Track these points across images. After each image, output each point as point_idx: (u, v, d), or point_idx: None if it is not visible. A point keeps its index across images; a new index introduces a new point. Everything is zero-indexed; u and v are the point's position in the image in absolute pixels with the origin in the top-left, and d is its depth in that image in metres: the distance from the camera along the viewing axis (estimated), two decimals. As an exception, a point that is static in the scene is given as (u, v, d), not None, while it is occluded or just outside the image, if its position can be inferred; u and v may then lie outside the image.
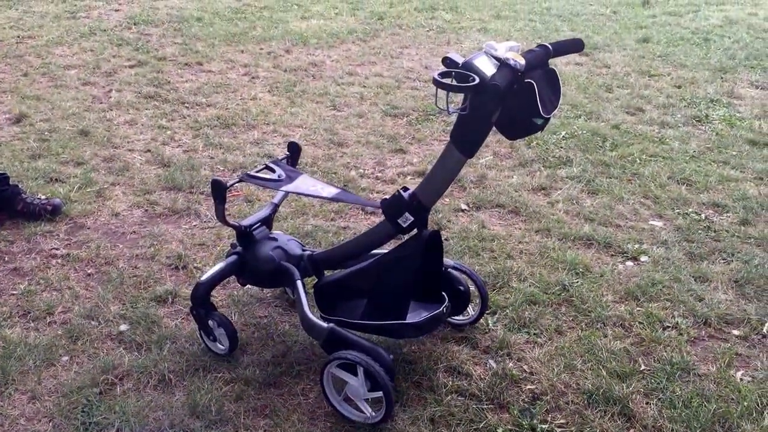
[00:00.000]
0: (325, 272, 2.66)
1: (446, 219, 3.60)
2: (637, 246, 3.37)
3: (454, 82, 2.09)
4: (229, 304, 2.89)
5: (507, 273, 3.11)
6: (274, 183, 2.54)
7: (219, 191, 2.43)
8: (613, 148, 4.55)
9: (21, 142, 4.41)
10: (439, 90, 2.04)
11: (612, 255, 3.33)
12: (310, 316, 2.39)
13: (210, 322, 2.58)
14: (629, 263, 3.26)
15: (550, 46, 2.12)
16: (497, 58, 2.07)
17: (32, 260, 3.19)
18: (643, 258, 3.29)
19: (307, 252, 2.65)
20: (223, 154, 4.34)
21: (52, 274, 3.08)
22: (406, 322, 2.37)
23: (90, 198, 3.75)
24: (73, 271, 3.12)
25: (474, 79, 2.05)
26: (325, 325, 2.35)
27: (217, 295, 2.93)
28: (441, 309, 2.44)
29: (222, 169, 4.15)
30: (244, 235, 2.62)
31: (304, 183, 2.56)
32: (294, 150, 2.76)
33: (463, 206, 3.76)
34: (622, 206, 3.79)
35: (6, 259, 3.20)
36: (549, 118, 2.12)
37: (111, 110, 4.99)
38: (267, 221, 2.73)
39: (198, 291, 2.58)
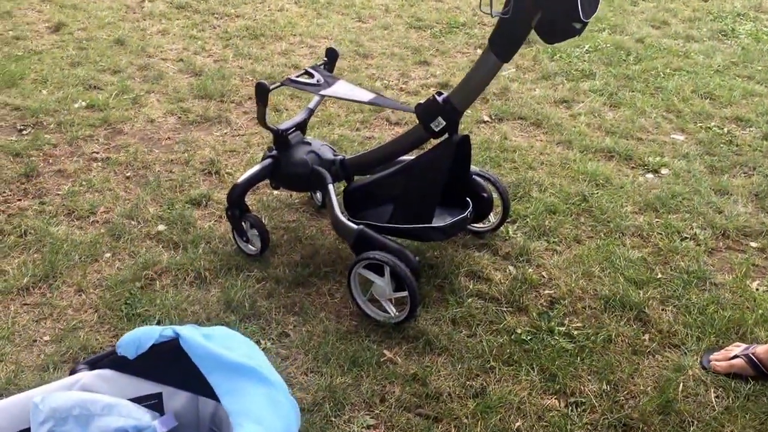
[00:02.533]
0: (355, 178, 2.78)
1: (468, 130, 3.68)
2: (658, 159, 3.45)
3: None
4: (259, 209, 3.04)
5: (528, 183, 3.21)
6: (313, 87, 2.63)
7: (262, 94, 2.52)
8: (637, 61, 4.56)
9: (61, 50, 4.51)
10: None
11: (633, 167, 3.41)
12: (342, 217, 2.52)
13: (244, 224, 2.72)
14: (650, 175, 3.34)
15: None
16: None
17: (75, 163, 3.34)
18: (664, 170, 3.37)
19: (339, 157, 2.76)
20: (252, 64, 4.42)
21: (94, 176, 3.23)
22: (432, 225, 2.49)
23: (126, 105, 3.86)
24: (113, 174, 3.27)
25: None
26: (355, 226, 2.48)
27: (248, 200, 3.06)
28: (465, 214, 2.56)
29: (251, 78, 4.23)
30: (281, 138, 2.73)
31: (342, 88, 2.65)
32: (331, 56, 2.83)
33: (485, 117, 3.83)
34: (644, 120, 3.84)
35: (50, 161, 3.35)
36: (587, 22, 2.15)
37: (144, 20, 5.05)
38: (302, 126, 2.83)
39: (234, 192, 2.71)
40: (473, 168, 2.75)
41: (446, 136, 2.46)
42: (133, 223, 2.92)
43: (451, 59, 4.59)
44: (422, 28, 5.08)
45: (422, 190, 2.51)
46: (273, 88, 2.55)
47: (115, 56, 4.43)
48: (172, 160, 3.38)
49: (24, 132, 3.58)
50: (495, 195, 2.81)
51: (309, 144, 2.77)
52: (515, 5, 2.12)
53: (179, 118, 3.78)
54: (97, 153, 3.43)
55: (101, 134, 3.59)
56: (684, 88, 4.19)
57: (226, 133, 3.65)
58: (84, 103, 3.83)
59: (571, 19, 2.10)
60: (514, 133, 3.71)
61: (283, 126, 2.75)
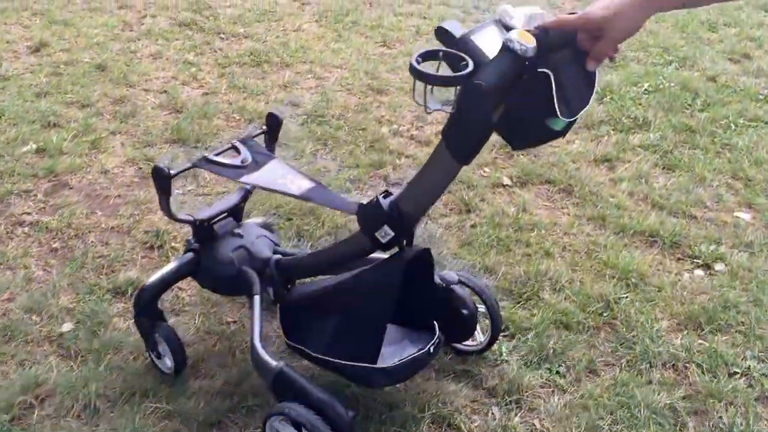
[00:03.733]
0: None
1: (480, 197, 3.00)
2: (713, 248, 2.69)
3: (442, 68, 1.52)
4: (195, 302, 2.44)
5: (540, 279, 2.52)
6: (233, 171, 2.02)
7: (162, 182, 1.95)
8: (705, 107, 3.75)
9: (33, 76, 4.02)
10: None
11: (678, 259, 2.67)
12: (259, 348, 1.90)
13: (155, 336, 2.13)
14: (698, 272, 2.60)
15: None
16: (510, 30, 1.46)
17: (-4, 230, 2.82)
18: (719, 266, 2.62)
19: (276, 256, 2.13)
20: (245, 99, 3.83)
21: (12, 247, 2.70)
22: (376, 366, 1.85)
23: (83, 149, 3.33)
24: (37, 245, 2.73)
25: (467, 65, 1.45)
26: (274, 363, 1.86)
27: (186, 288, 2.48)
28: (426, 348, 1.91)
29: (238, 118, 3.65)
30: (200, 230, 2.14)
31: (272, 172, 2.04)
32: (273, 124, 2.21)
33: (506, 180, 3.13)
34: (702, 189, 3.07)
35: (-33, 225, 2.84)
36: (572, 121, 1.50)
37: (138, 40, 4.52)
38: (235, 211, 2.23)
39: (142, 296, 2.13)
40: (450, 275, 2.09)
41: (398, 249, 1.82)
42: (34, 318, 2.37)
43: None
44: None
45: (364, 318, 1.88)
46: (177, 174, 1.96)
47: (90, 85, 3.90)
48: (112, 228, 2.82)
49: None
50: (483, 308, 2.15)
51: (240, 236, 2.16)
52: (462, 97, 1.46)
53: (139, 169, 3.22)
54: (28, 214, 2.90)
55: (42, 188, 3.06)
56: (759, 146, 3.39)
57: (189, 191, 3.07)
58: (34, 147, 3.31)
59: (545, 115, 1.45)
60: (537, 203, 3.00)
61: (204, 214, 2.14)
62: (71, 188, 3.08)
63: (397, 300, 1.82)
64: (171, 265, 2.16)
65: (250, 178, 1.99)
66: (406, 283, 1.82)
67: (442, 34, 1.52)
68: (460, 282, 2.12)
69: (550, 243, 2.72)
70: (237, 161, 2.04)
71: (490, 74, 1.38)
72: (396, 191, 1.80)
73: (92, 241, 2.74)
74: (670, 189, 3.07)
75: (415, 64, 1.42)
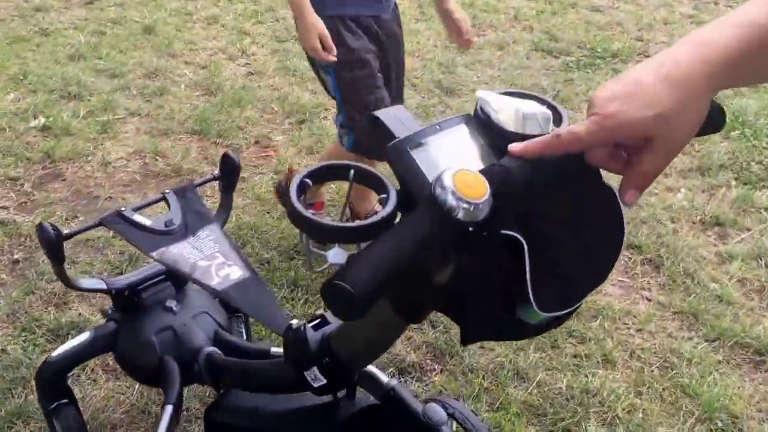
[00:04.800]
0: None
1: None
2: None
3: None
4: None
5: (587, 401, 1.87)
6: (149, 239, 1.48)
7: (48, 248, 1.44)
8: None
9: (74, 33, 3.62)
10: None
11: (792, 396, 1.93)
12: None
13: (53, 421, 1.65)
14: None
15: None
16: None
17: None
18: None
19: (209, 349, 1.58)
20: (291, 86, 3.27)
21: (-32, 254, 2.30)
22: None
23: (92, 132, 2.89)
24: (1, 252, 2.31)
25: (386, 198, 0.84)
26: None
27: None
28: None
29: (275, 110, 3.11)
30: (121, 299, 1.62)
31: (199, 248, 1.48)
32: (228, 168, 1.64)
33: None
34: None
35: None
36: (565, 313, 0.86)
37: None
38: (177, 275, 1.70)
39: (43, 374, 1.64)
40: (437, 409, 1.47)
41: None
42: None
43: (576, 111, 3.18)
44: (554, 53, 3.66)
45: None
46: (69, 237, 1.43)
47: (129, 51, 3.46)
48: (87, 240, 2.36)
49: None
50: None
51: (172, 312, 1.62)
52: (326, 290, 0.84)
53: (145, 163, 2.75)
54: (4, 210, 2.48)
55: (31, 177, 2.64)
56: None
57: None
58: (42, 122, 2.90)
59: (510, 301, 0.83)
60: (611, 275, 2.30)
61: (129, 278, 1.61)
62: (63, 180, 2.64)
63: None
64: (84, 337, 1.64)
65: (167, 254, 1.44)
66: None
67: (374, 125, 0.92)
68: (451, 418, 1.51)
69: (614, 343, 2.04)
70: (160, 223, 1.49)
71: (372, 261, 0.74)
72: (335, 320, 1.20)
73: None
74: (798, 280, 2.29)
75: (294, 197, 0.81)
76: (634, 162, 0.76)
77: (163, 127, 2.94)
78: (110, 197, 2.57)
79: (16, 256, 2.31)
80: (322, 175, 0.86)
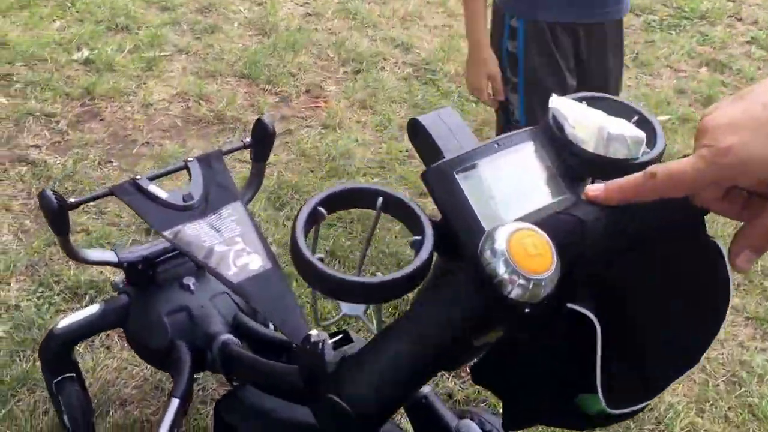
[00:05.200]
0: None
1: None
2: None
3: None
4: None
5: None
6: (161, 215, 1.31)
7: (52, 217, 1.28)
8: None
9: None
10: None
11: None
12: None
13: (59, 394, 1.53)
14: None
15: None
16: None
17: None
18: None
19: (225, 337, 1.42)
20: (350, 30, 3.04)
21: (-8, 195, 2.18)
22: None
23: (136, 69, 2.72)
24: (25, 195, 2.18)
25: (420, 243, 0.63)
26: None
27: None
28: None
29: (330, 57, 2.88)
30: (134, 273, 1.46)
31: (218, 229, 1.30)
32: (261, 134, 1.45)
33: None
34: None
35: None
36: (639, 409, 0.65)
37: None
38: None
39: (48, 345, 1.51)
40: (471, 426, 1.29)
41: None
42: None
43: (657, 79, 2.87)
44: (635, 10, 3.31)
45: None
46: (74, 206, 1.28)
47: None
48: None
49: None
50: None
51: (190, 290, 1.46)
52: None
53: (187, 107, 2.57)
54: (37, 149, 2.35)
55: (68, 115, 2.50)
56: None
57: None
58: (85, 55, 2.75)
59: (570, 386, 0.61)
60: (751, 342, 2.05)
61: (140, 251, 1.45)
62: (101, 120, 2.50)
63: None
64: (93, 309, 1.50)
65: (181, 234, 1.26)
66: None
67: (414, 135, 0.71)
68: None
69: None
70: (177, 197, 1.32)
71: (381, 370, 0.55)
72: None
73: (84, 208, 2.16)
74: None
75: (300, 231, 0.60)
76: (754, 212, 0.55)
77: (211, 68, 2.75)
78: (147, 142, 2.42)
79: (30, 205, 2.18)
80: (341, 202, 0.65)
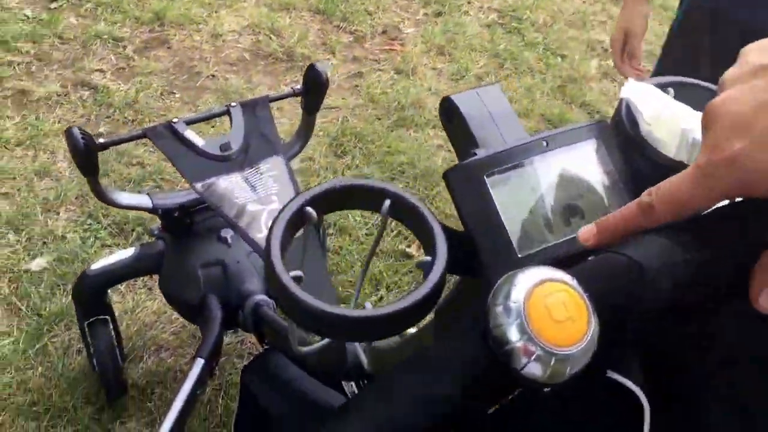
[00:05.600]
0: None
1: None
2: None
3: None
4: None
5: None
6: (195, 164, 1.21)
7: (79, 158, 1.20)
8: None
9: None
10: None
11: None
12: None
13: (90, 336, 1.48)
14: None
15: None
16: None
17: (50, 83, 2.23)
18: None
19: (259, 297, 1.33)
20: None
21: (56, 116, 2.12)
22: None
23: (209, -4, 2.62)
24: (83, 121, 2.14)
25: (432, 268, 0.49)
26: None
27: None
28: None
29: (412, -4, 2.71)
30: (169, 219, 1.38)
31: (253, 185, 1.20)
32: (313, 82, 1.32)
33: None
34: None
35: (28, 68, 2.26)
36: None
37: None
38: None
39: (81, 286, 1.46)
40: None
41: None
42: (9, 238, 1.80)
43: None
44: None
45: None
46: (103, 147, 1.19)
47: None
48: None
49: (53, 7, 2.52)
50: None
51: (227, 243, 1.37)
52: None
53: (257, 41, 2.46)
54: (101, 73, 2.29)
55: (136, 40, 2.42)
56: None
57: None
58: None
59: None
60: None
61: (178, 197, 1.37)
62: (168, 48, 2.42)
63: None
64: (128, 253, 1.44)
65: (213, 188, 1.17)
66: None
67: (448, 118, 0.57)
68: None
69: None
70: (214, 146, 1.22)
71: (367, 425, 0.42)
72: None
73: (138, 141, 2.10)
74: None
75: (276, 244, 0.47)
76: None
77: (285, 1, 2.62)
78: (213, 75, 2.33)
79: (101, 129, 2.13)
80: (336, 202, 0.53)
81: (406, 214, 0.50)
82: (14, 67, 2.26)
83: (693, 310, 0.43)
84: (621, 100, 0.57)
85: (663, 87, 0.59)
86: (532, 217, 0.50)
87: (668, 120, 0.55)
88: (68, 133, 1.16)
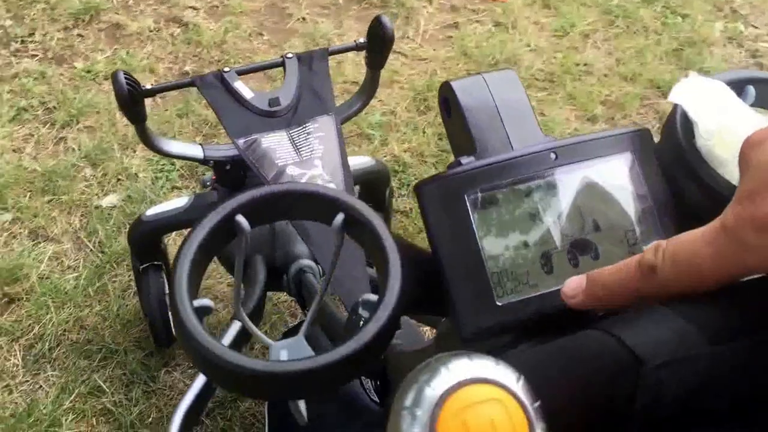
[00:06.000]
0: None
1: None
2: None
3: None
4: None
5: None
6: (240, 117, 1.15)
7: (123, 105, 1.15)
8: None
9: None
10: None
11: None
12: None
13: (139, 280, 1.47)
14: None
15: None
16: None
17: (139, 19, 2.21)
18: None
19: (305, 262, 1.26)
20: None
21: (146, 53, 2.11)
22: None
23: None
24: (171, 59, 2.11)
25: (379, 306, 0.39)
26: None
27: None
28: None
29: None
30: (223, 171, 1.33)
31: (297, 145, 1.12)
32: (376, 36, 1.21)
33: None
34: None
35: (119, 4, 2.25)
36: None
37: None
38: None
39: (136, 231, 1.44)
40: None
41: None
42: (86, 171, 1.81)
43: None
44: None
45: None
46: (149, 94, 1.14)
47: None
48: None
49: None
50: None
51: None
52: None
53: (352, -16, 2.36)
54: (194, 10, 2.25)
55: (229, -23, 2.37)
56: None
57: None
58: None
59: None
60: None
61: (231, 150, 1.30)
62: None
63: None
64: (182, 202, 1.40)
65: (255, 146, 1.09)
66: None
67: (447, 101, 0.47)
68: None
69: None
70: (263, 100, 1.14)
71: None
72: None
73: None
74: None
75: (183, 279, 0.39)
76: None
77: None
78: (303, 18, 2.24)
79: (186, 68, 2.10)
80: (275, 210, 0.43)
81: (359, 232, 0.40)
82: (113, 0, 2.26)
83: (717, 422, 0.31)
84: (674, 105, 0.44)
85: (739, 85, 0.46)
86: (526, 253, 0.40)
87: (736, 133, 0.42)
88: (114, 78, 1.11)
